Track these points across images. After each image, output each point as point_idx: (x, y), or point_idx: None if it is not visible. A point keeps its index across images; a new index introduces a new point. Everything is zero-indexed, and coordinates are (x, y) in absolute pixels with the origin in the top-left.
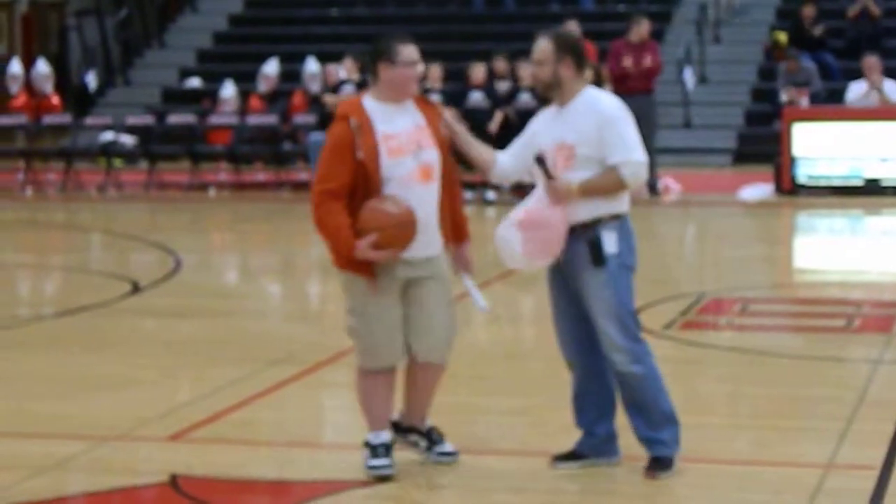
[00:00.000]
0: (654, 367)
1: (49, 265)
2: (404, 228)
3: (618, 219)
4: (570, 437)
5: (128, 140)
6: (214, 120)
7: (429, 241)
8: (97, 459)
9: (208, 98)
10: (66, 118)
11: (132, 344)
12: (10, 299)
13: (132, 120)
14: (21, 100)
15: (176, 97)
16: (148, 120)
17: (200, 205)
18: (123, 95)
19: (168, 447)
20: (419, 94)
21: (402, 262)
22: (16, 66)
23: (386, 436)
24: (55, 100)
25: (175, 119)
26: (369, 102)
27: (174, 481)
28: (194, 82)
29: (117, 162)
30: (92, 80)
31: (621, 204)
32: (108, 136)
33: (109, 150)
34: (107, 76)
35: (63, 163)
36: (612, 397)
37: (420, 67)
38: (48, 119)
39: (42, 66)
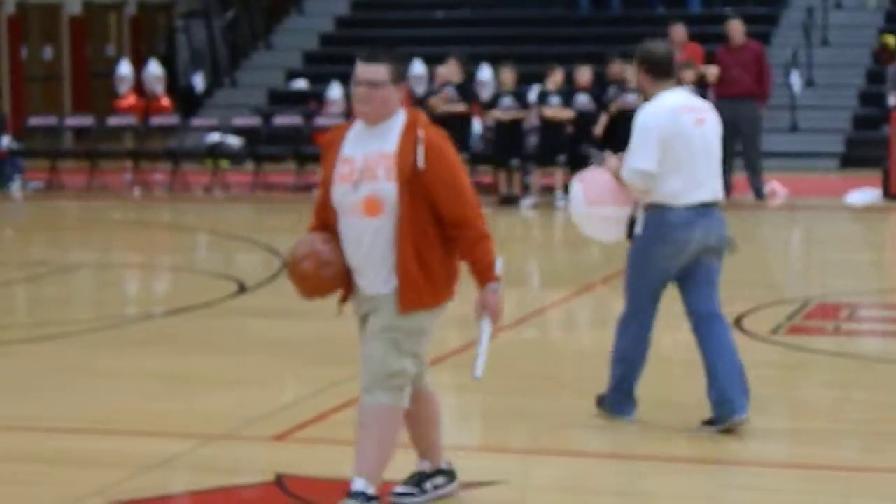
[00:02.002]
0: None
1: (157, 265)
2: (289, 272)
3: (654, 208)
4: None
5: (234, 141)
6: (320, 121)
7: (371, 281)
8: (202, 458)
9: (314, 99)
10: (173, 119)
11: (238, 344)
12: (119, 299)
13: (239, 121)
14: (129, 101)
15: (282, 99)
16: (254, 121)
17: (305, 206)
18: (230, 97)
19: (273, 447)
20: (423, 117)
21: (359, 297)
22: (125, 68)
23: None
24: (165, 101)
25: (281, 120)
26: (358, 123)
27: (279, 481)
28: (300, 84)
29: (224, 163)
30: (199, 81)
31: (662, 196)
32: (214, 137)
33: (216, 151)
34: (214, 78)
35: (170, 163)
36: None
37: (365, 85)
38: (156, 120)
39: (154, 68)
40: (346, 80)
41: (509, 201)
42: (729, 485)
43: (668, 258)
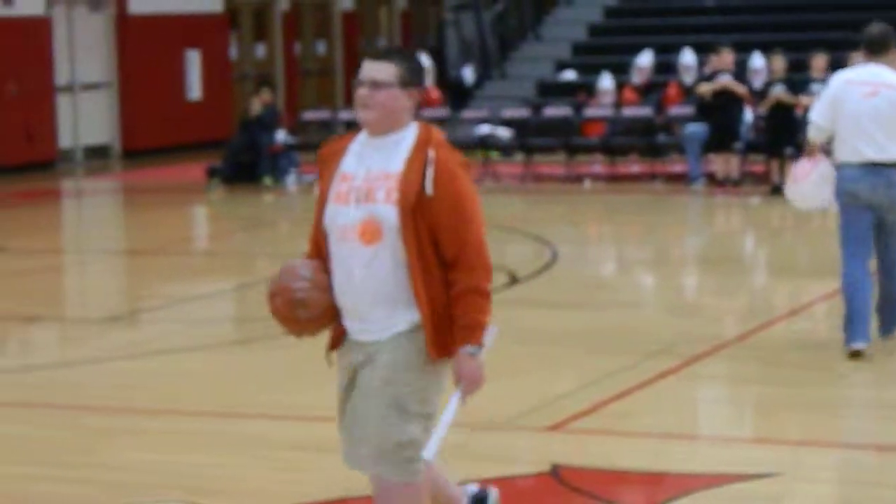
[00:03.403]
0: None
1: None
2: (268, 302)
3: (836, 168)
4: None
5: (504, 133)
6: (589, 112)
7: (365, 324)
8: (480, 447)
9: (583, 90)
10: (443, 112)
11: (512, 334)
12: None
13: (508, 113)
14: None
15: (551, 90)
16: (524, 113)
17: (575, 196)
18: (499, 89)
19: (548, 437)
20: (438, 135)
21: (349, 345)
22: None
23: None
24: (434, 93)
25: (551, 112)
26: (362, 134)
27: (555, 471)
28: (569, 75)
29: (494, 154)
30: (469, 73)
31: (837, 156)
32: (484, 128)
33: (486, 143)
34: (483, 70)
35: None
36: None
37: (368, 85)
38: (427, 112)
39: (423, 61)
40: (615, 70)
41: (781, 191)
42: None
43: (845, 210)
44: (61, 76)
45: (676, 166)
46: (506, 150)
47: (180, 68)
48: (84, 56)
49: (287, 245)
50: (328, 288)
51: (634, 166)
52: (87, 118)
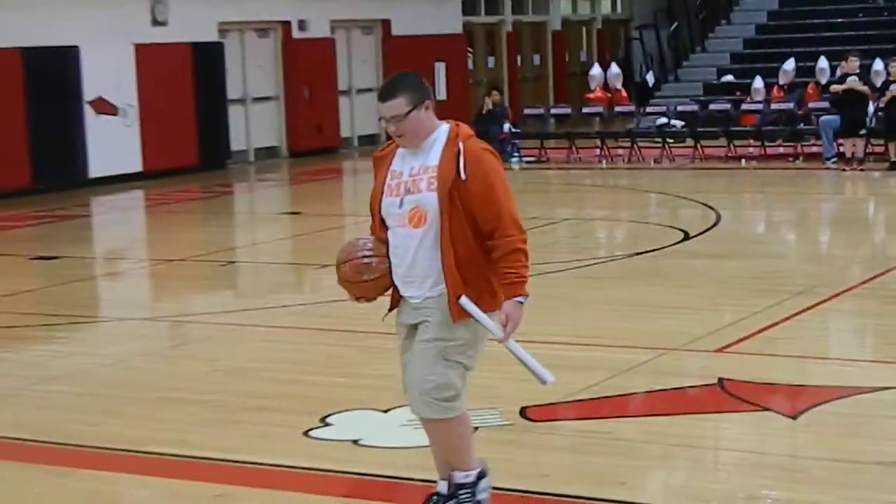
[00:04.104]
0: None
1: (619, 219)
2: (336, 271)
3: None
4: None
5: (677, 123)
6: (744, 107)
7: (417, 291)
8: (658, 365)
9: (740, 90)
10: (630, 107)
11: (684, 279)
12: (591, 245)
13: (681, 108)
14: (597, 94)
15: (715, 89)
16: (693, 107)
17: (734, 172)
18: (674, 89)
19: (714, 357)
20: (465, 130)
21: (405, 307)
22: (596, 70)
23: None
24: (623, 94)
25: (714, 106)
26: None
27: (721, 383)
28: (729, 78)
29: (670, 140)
30: (650, 78)
31: None
32: (662, 120)
33: (664, 131)
34: (661, 75)
35: (629, 141)
36: None
37: (391, 121)
38: (618, 108)
39: (614, 69)
40: (765, 73)
41: None
42: None
43: None
44: (342, 82)
45: (814, 148)
46: (679, 136)
47: (430, 76)
48: (356, 69)
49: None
50: (386, 258)
51: (780, 148)
52: (361, 113)
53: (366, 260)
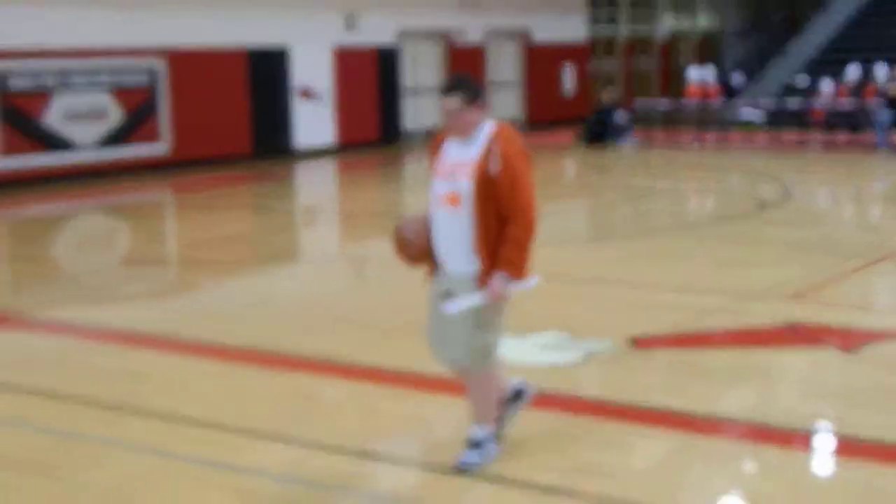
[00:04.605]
0: None
1: (705, 189)
2: (394, 236)
3: None
4: None
5: (759, 115)
6: (814, 104)
7: (453, 262)
8: (738, 309)
9: (811, 91)
10: (721, 102)
11: (759, 241)
12: (683, 211)
13: (762, 103)
14: (694, 91)
15: (790, 90)
16: (772, 104)
17: (804, 155)
18: (757, 89)
19: (786, 305)
20: (506, 131)
21: (442, 274)
22: (693, 72)
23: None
24: (715, 90)
25: (790, 103)
26: None
27: (792, 325)
28: (802, 80)
29: (752, 128)
30: (738, 79)
31: None
32: (746, 112)
33: (747, 121)
34: (747, 76)
35: (718, 128)
36: None
37: (447, 113)
38: (711, 102)
39: (708, 70)
40: (833, 76)
41: None
42: None
43: None
44: (491, 78)
45: (869, 138)
46: (760, 126)
47: (559, 75)
48: (502, 69)
49: (622, 180)
50: (425, 236)
51: (843, 137)
52: (501, 103)
53: (408, 237)
